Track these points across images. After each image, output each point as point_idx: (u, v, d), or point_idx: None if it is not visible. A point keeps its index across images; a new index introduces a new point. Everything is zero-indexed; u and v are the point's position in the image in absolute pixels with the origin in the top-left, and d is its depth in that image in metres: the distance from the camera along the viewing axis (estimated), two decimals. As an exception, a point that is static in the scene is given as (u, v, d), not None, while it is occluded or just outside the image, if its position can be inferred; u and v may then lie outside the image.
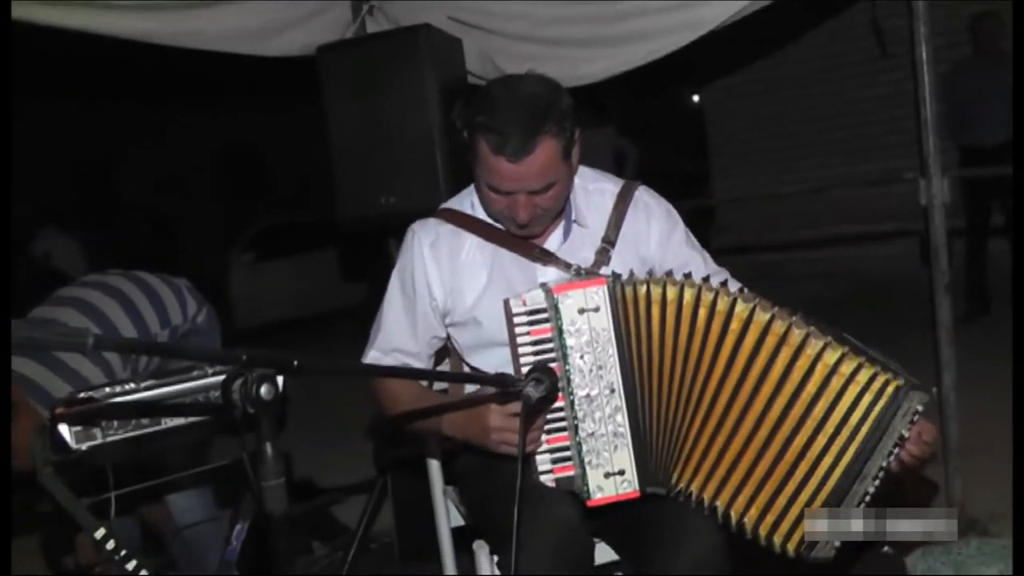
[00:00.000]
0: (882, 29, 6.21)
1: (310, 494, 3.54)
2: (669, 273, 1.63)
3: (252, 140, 13.12)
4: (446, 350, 1.93)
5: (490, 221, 1.78)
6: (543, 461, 1.61)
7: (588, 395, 1.59)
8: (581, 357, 1.58)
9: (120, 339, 2.24)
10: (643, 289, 1.59)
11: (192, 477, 2.40)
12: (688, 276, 1.59)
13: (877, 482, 1.51)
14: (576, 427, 1.59)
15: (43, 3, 2.28)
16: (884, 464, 1.50)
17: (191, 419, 1.64)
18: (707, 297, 1.56)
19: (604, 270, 1.75)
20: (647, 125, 10.53)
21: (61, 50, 4.57)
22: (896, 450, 1.51)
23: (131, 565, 1.76)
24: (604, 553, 1.77)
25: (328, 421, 4.77)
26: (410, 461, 2.67)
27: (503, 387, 1.49)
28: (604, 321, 1.59)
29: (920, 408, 1.50)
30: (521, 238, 1.76)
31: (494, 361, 1.72)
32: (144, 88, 9.68)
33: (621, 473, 1.60)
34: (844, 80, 7.77)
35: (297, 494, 3.22)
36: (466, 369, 1.86)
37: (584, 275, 1.69)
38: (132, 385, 1.60)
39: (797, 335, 1.51)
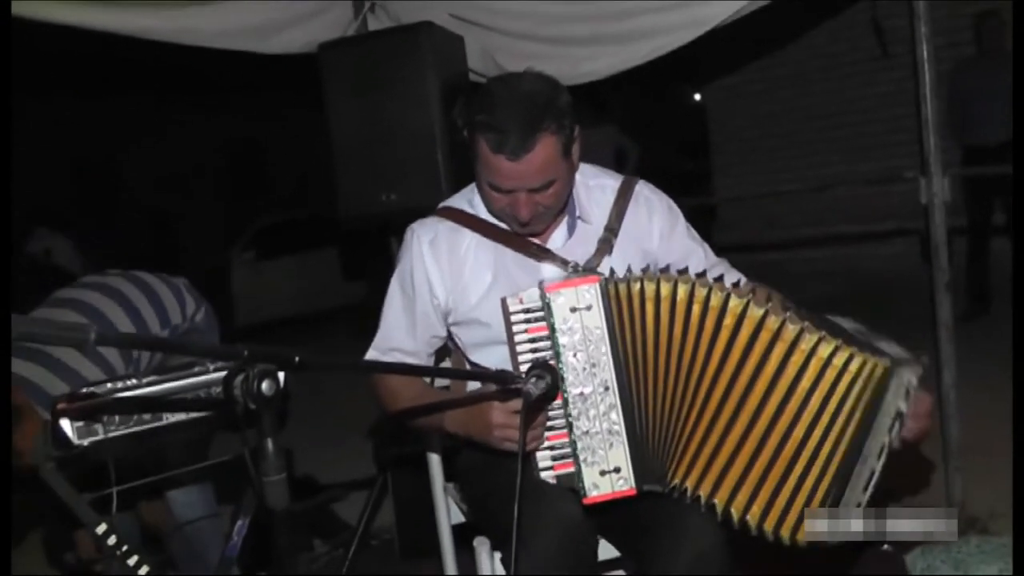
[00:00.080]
0: (883, 28, 6.21)
1: (311, 491, 3.54)
2: (666, 268, 1.62)
3: (253, 138, 13.13)
4: (447, 349, 1.93)
5: (490, 220, 1.79)
6: (544, 458, 1.61)
7: (582, 393, 1.59)
8: (574, 355, 1.58)
9: (122, 334, 2.23)
10: (636, 286, 1.58)
11: (193, 473, 2.40)
12: (682, 272, 1.58)
13: (881, 461, 1.49)
14: (571, 425, 1.59)
15: (43, 0, 2.28)
16: (885, 441, 1.49)
17: (192, 415, 1.64)
18: (700, 293, 1.55)
19: (606, 261, 1.75)
20: (649, 123, 10.52)
21: (61, 47, 4.57)
22: (896, 426, 1.50)
23: (132, 561, 1.76)
24: (606, 550, 1.77)
25: (329, 418, 4.78)
26: (410, 458, 2.68)
27: (504, 384, 1.49)
28: (596, 319, 1.59)
29: (913, 381, 1.48)
30: (521, 236, 1.76)
31: (496, 359, 1.72)
32: (145, 86, 9.68)
33: (617, 471, 1.60)
34: (845, 79, 7.78)
35: (298, 491, 3.21)
36: (467, 367, 1.86)
37: (582, 273, 1.69)
38: (134, 381, 1.61)
39: (791, 331, 1.51)
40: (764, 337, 1.52)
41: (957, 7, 6.03)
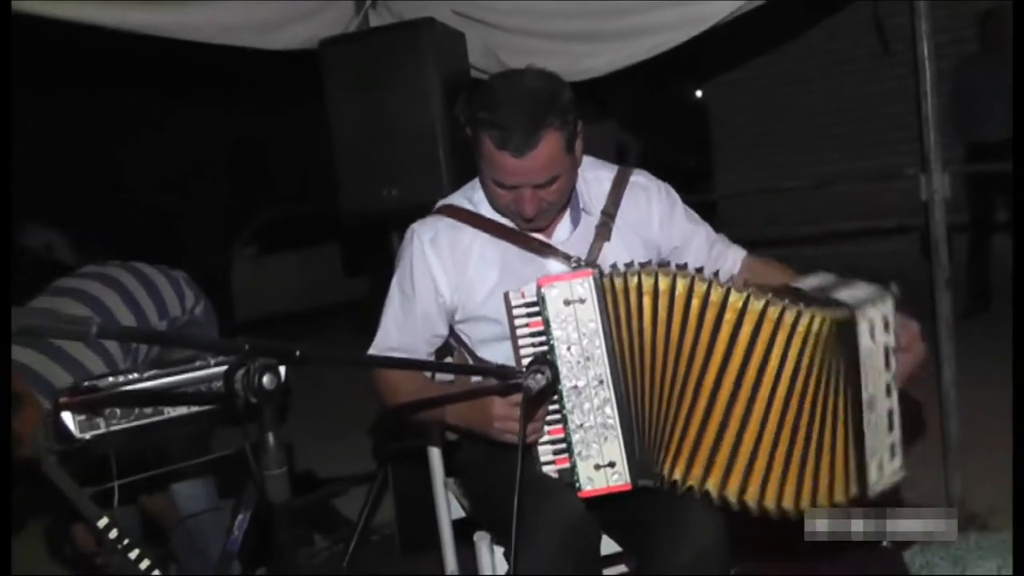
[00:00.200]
0: (884, 26, 6.20)
1: (311, 486, 3.54)
2: (664, 264, 1.62)
3: (255, 134, 13.11)
4: (448, 347, 1.94)
5: (493, 217, 1.79)
6: (544, 452, 1.61)
7: (576, 387, 1.59)
8: (568, 349, 1.58)
9: (123, 328, 2.24)
10: (634, 280, 1.57)
11: (195, 467, 2.41)
12: (682, 267, 1.58)
13: (894, 398, 1.49)
14: (566, 418, 1.59)
15: (44, -2, 2.28)
16: (887, 379, 1.48)
17: (194, 409, 1.65)
18: (700, 288, 1.54)
19: (605, 247, 1.76)
20: (650, 119, 10.52)
21: (62, 42, 4.56)
22: (892, 361, 1.49)
23: (133, 555, 1.77)
24: (606, 545, 1.77)
25: (329, 414, 4.78)
26: (411, 454, 2.68)
27: (504, 378, 1.50)
28: (590, 312, 1.58)
29: (886, 314, 1.47)
30: (522, 232, 1.77)
31: (504, 354, 1.72)
32: (146, 81, 9.68)
33: (611, 465, 1.60)
34: (846, 76, 7.77)
35: (298, 486, 3.22)
36: (471, 362, 1.87)
37: (583, 267, 1.70)
38: (135, 375, 1.61)
39: (789, 316, 1.49)
40: (767, 328, 1.50)
41: (958, 6, 6.02)
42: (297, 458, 3.39)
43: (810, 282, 1.61)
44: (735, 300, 1.52)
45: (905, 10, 2.80)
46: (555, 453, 1.61)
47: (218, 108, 11.50)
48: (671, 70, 5.47)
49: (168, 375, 1.63)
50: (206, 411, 1.67)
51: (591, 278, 1.59)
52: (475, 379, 1.77)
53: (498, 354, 1.77)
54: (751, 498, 1.54)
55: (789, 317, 1.48)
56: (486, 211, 1.80)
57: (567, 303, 1.58)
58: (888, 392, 1.49)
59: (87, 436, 1.56)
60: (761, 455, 1.53)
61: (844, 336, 1.46)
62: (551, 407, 1.60)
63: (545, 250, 1.77)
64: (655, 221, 1.83)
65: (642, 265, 1.60)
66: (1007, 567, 2.35)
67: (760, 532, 1.71)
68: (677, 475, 1.58)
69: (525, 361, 1.54)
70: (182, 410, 1.65)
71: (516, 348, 1.60)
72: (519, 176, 1.63)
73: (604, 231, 1.78)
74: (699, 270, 1.57)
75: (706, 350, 1.54)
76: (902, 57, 5.57)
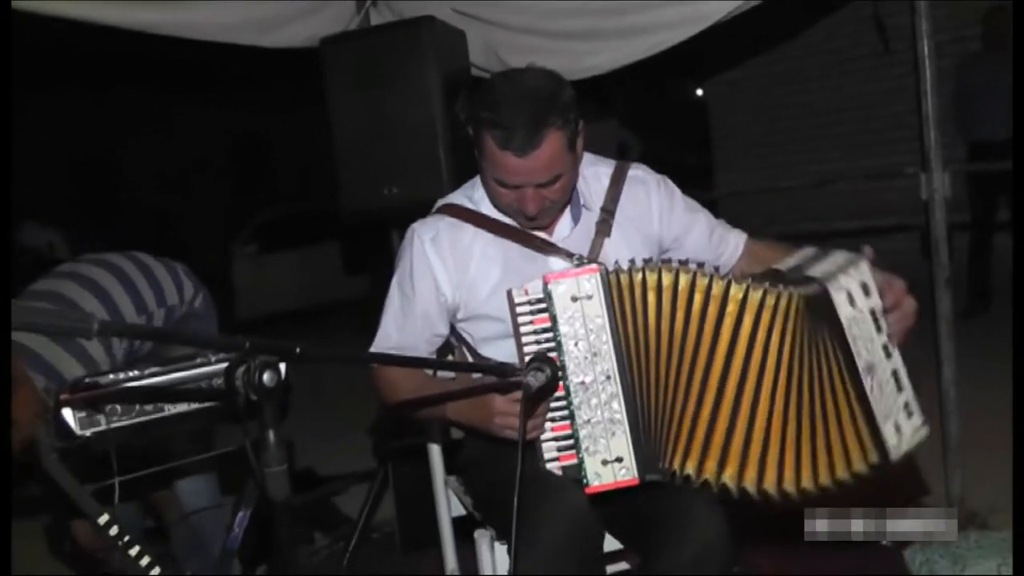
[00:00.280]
0: (884, 24, 6.20)
1: (312, 484, 3.55)
2: (668, 260, 1.63)
3: (256, 132, 13.11)
4: (449, 345, 1.94)
5: (493, 215, 1.79)
6: (549, 449, 1.61)
7: (583, 382, 1.59)
8: (575, 344, 1.59)
9: (124, 324, 2.25)
10: (638, 276, 1.58)
11: (197, 463, 2.42)
12: (684, 263, 1.59)
13: (895, 357, 1.50)
14: (573, 414, 1.60)
15: (44, -5, 2.28)
16: (882, 341, 1.49)
17: (194, 406, 1.65)
18: (702, 282, 1.55)
19: (606, 243, 1.77)
20: (651, 118, 10.52)
21: (62, 41, 4.57)
22: (882, 322, 1.50)
23: (134, 551, 1.77)
24: (608, 542, 1.76)
25: (330, 412, 4.79)
26: (411, 451, 2.69)
27: (504, 376, 1.50)
28: (597, 308, 1.59)
29: (862, 278, 1.49)
30: (524, 230, 1.77)
31: (507, 352, 1.71)
32: (146, 79, 9.67)
33: (619, 460, 1.60)
34: (846, 75, 7.77)
35: (299, 484, 3.23)
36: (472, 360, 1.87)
37: (586, 264, 1.70)
38: (136, 372, 1.61)
39: (770, 298, 1.51)
40: (766, 316, 1.52)
41: (958, 6, 6.02)
42: (298, 456, 3.40)
43: (788, 262, 1.63)
44: (736, 292, 1.54)
45: (905, 9, 2.81)
46: (560, 450, 1.61)
47: (218, 107, 11.50)
48: (671, 69, 5.47)
49: (169, 372, 1.63)
50: (207, 408, 1.67)
51: (598, 274, 1.59)
52: (475, 376, 1.77)
53: (500, 352, 1.77)
54: (770, 485, 1.55)
55: (770, 300, 1.51)
56: (487, 209, 1.80)
57: (574, 299, 1.58)
58: (888, 354, 1.50)
59: (88, 433, 1.56)
60: (773, 442, 1.54)
61: (821, 310, 1.48)
62: (558, 403, 1.60)
63: (547, 248, 1.77)
64: (655, 214, 1.83)
65: (645, 262, 1.61)
66: (1007, 566, 2.35)
67: (760, 531, 1.72)
68: (690, 469, 1.58)
69: (528, 358, 1.55)
70: (183, 407, 1.65)
71: (520, 345, 1.60)
72: (522, 175, 1.63)
73: (604, 227, 1.79)
74: (700, 265, 1.58)
75: (710, 343, 1.55)
76: (902, 56, 5.58)
